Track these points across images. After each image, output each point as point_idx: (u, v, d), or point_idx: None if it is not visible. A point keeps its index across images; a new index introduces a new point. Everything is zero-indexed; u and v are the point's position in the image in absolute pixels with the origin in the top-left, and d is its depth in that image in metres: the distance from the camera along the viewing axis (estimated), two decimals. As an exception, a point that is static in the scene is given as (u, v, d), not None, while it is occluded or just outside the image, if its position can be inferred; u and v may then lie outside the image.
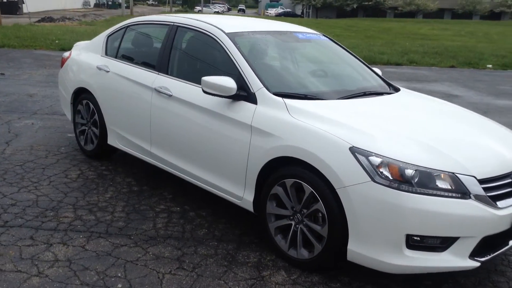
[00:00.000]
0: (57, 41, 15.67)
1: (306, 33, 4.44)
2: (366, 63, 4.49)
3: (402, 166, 2.74)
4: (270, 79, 3.57)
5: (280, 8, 77.77)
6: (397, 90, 4.14)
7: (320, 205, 2.96)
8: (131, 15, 45.07)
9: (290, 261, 3.23)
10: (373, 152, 2.80)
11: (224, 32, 3.85)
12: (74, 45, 5.63)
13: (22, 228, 3.49)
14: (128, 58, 4.65)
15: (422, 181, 2.73)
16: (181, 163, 3.94)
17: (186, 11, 69.80)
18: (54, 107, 7.15)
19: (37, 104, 7.31)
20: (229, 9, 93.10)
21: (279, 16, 61.93)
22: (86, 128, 5.04)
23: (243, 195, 3.48)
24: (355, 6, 67.58)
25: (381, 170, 2.76)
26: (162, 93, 4.00)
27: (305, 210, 3.10)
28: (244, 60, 3.60)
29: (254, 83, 3.47)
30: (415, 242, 2.75)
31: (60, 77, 5.53)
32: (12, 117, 6.46)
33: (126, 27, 4.82)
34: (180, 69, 4.15)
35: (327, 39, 4.57)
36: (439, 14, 68.12)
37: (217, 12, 71.04)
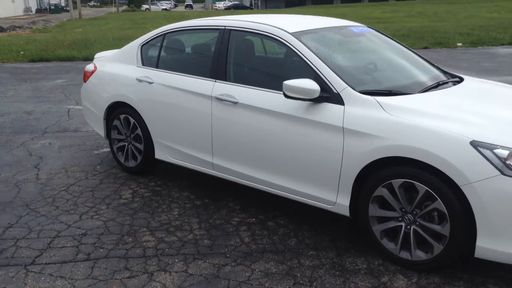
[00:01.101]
0: (22, 52, 14.90)
1: (357, 27, 4.33)
2: (416, 52, 4.43)
3: (530, 156, 2.70)
4: (350, 77, 3.45)
5: (228, 1, 77.36)
6: (458, 77, 4.11)
7: (439, 204, 2.88)
8: (80, 19, 43.63)
9: (402, 264, 3.14)
10: (497, 145, 2.74)
11: (287, 32, 3.69)
12: (95, 56, 5.31)
13: (109, 258, 3.25)
14: (172, 67, 4.38)
15: (550, 170, 2.70)
16: (253, 172, 3.77)
17: (133, 11, 68.30)
18: (61, 124, 6.75)
19: (41, 122, 6.89)
20: (175, 6, 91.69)
21: (228, 10, 61.57)
22: (126, 143, 4.77)
23: (336, 200, 3.36)
24: (303, -6, 68.14)
25: (508, 162, 2.70)
26: (225, 100, 3.81)
27: (417, 210, 3.02)
28: (319, 60, 3.46)
29: (337, 83, 3.34)
30: (546, 233, 2.73)
31: (84, 92, 5.21)
32: (23, 138, 6.05)
33: (164, 35, 4.55)
34: (242, 75, 3.96)
35: (375, 31, 4.48)
36: (384, -4, 69.60)
37: (165, 9, 69.86)
